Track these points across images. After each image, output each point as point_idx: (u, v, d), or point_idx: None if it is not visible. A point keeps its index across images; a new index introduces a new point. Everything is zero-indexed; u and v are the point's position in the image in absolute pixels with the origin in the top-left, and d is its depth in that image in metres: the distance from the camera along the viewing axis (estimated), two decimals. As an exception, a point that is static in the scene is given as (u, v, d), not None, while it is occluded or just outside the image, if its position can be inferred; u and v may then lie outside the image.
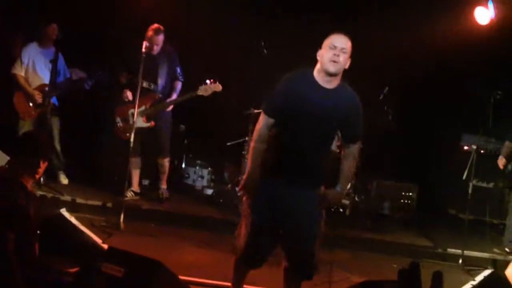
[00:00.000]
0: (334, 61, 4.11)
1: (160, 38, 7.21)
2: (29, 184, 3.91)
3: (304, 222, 4.34)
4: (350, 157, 4.45)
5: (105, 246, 4.71)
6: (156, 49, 7.22)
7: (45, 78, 7.41)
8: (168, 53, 7.39)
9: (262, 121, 4.32)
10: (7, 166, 3.99)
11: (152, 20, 7.32)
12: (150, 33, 7.15)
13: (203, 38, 8.42)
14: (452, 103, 8.92)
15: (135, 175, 7.51)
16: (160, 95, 7.34)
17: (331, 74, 4.16)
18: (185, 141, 9.01)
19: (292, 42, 8.22)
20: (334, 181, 7.87)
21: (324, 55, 4.16)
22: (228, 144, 8.18)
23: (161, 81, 7.33)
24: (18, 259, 3.57)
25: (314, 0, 8.64)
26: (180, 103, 7.40)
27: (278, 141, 4.34)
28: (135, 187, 7.53)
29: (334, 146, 7.68)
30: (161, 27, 7.20)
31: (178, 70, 7.43)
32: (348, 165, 4.47)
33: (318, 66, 4.23)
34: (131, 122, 7.04)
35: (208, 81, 6.94)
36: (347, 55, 4.16)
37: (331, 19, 8.28)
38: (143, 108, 7.18)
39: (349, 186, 7.86)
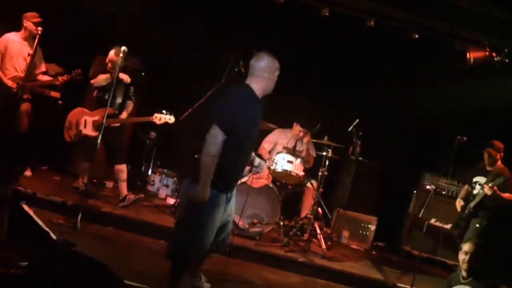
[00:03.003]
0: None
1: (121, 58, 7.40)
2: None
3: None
4: None
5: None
6: (113, 67, 7.37)
7: (21, 70, 7.44)
8: (128, 71, 7.63)
9: (219, 137, 4.52)
10: None
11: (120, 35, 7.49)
12: (114, 54, 7.33)
13: (171, 51, 8.71)
14: (421, 143, 9.11)
15: (83, 178, 7.65)
16: (117, 111, 7.55)
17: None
18: (154, 148, 9.07)
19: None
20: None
21: (272, 77, 4.77)
22: (196, 156, 8.21)
23: (118, 98, 7.57)
24: None
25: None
26: (132, 123, 7.73)
27: (232, 156, 4.64)
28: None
29: (299, 170, 7.81)
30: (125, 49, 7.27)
31: (132, 89, 7.68)
32: None
33: (262, 84, 4.75)
34: (81, 128, 7.47)
35: (164, 111, 7.12)
36: None
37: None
38: (96, 118, 7.34)
39: (310, 211, 7.98)
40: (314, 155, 8.60)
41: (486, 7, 7.77)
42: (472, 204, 7.25)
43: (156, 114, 7.18)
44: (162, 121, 7.17)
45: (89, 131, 7.41)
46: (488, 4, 7.74)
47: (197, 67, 8.96)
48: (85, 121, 7.47)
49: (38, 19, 7.40)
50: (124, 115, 7.57)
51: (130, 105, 7.69)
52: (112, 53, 7.35)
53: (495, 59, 7.93)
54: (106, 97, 7.36)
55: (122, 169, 7.52)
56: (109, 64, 7.37)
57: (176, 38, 8.63)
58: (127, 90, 7.64)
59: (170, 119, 7.16)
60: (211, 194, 4.59)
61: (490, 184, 6.95)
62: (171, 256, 4.81)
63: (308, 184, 8.24)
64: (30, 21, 7.44)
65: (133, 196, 7.51)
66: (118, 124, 7.49)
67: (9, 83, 7.42)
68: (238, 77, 7.71)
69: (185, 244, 4.73)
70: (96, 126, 7.36)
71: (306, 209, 8.24)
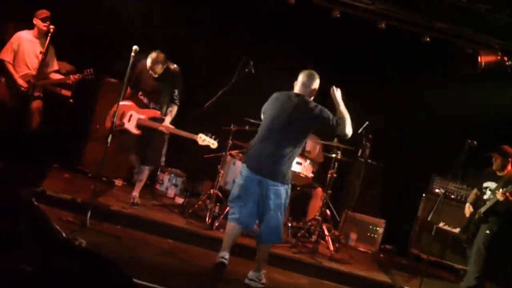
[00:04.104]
0: None
1: (160, 66, 7.41)
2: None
3: None
4: None
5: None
6: (159, 71, 7.42)
7: (33, 67, 7.47)
8: (170, 73, 7.56)
9: None
10: None
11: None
12: (152, 61, 7.34)
13: (190, 53, 8.70)
14: (430, 146, 9.08)
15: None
16: (164, 117, 7.53)
17: None
18: (164, 147, 9.08)
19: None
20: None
21: None
22: (206, 156, 8.24)
23: (164, 103, 7.56)
24: None
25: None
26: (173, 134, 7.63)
27: None
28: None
29: (308, 172, 7.81)
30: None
31: (176, 92, 7.59)
32: None
33: None
34: (124, 120, 7.40)
35: (210, 135, 7.13)
36: None
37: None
38: (142, 116, 7.34)
39: (318, 213, 7.96)
40: (322, 159, 8.60)
41: (498, 11, 7.75)
42: (482, 210, 7.19)
43: (200, 135, 7.13)
44: (205, 143, 7.13)
45: (131, 127, 7.37)
46: (500, 7, 7.72)
47: (205, 68, 8.99)
48: (131, 116, 7.41)
49: (45, 15, 7.43)
50: (168, 120, 7.49)
51: (174, 108, 7.57)
52: (149, 61, 7.33)
53: (507, 63, 7.91)
54: (145, 101, 7.50)
55: (142, 170, 7.64)
56: (151, 72, 7.38)
57: (184, 38, 8.65)
58: (171, 93, 7.56)
59: (214, 144, 7.11)
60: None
61: (502, 190, 6.90)
62: (280, 241, 6.17)
63: (318, 187, 8.23)
64: (38, 18, 7.49)
65: (135, 200, 7.58)
66: (165, 131, 7.48)
67: (20, 81, 7.45)
68: (249, 77, 7.77)
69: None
70: (139, 125, 7.39)
71: (313, 211, 8.23)
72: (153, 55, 7.31)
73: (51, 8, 7.55)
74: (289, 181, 5.94)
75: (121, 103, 7.28)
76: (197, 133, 7.16)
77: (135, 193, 7.63)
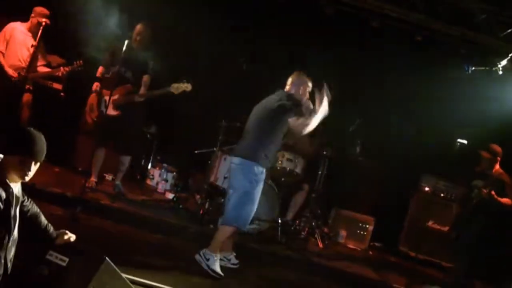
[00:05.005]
0: None
1: (147, 33, 7.47)
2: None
3: None
4: None
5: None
6: (140, 41, 7.43)
7: (24, 60, 7.44)
8: (150, 47, 7.56)
9: None
10: None
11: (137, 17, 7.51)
12: (139, 27, 7.41)
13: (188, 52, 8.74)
14: (421, 145, 9.11)
15: (95, 172, 7.68)
16: (136, 88, 7.51)
17: None
18: (155, 143, 9.09)
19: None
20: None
21: None
22: (196, 152, 8.25)
23: (136, 73, 7.52)
24: None
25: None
26: (151, 98, 7.58)
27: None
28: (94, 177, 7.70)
29: (298, 169, 7.83)
30: (147, 24, 7.45)
31: (151, 64, 7.58)
32: None
33: None
34: (102, 108, 7.39)
35: (182, 80, 7.16)
36: None
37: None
38: (115, 97, 7.35)
39: (307, 210, 7.99)
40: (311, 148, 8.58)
41: (493, 11, 7.76)
42: (470, 208, 7.23)
43: (173, 84, 7.14)
44: (180, 90, 7.15)
45: (110, 110, 7.32)
46: (495, 8, 7.73)
47: (204, 66, 8.98)
48: (106, 101, 7.38)
49: (42, 19, 7.37)
50: (142, 90, 7.50)
51: (146, 78, 7.56)
52: (140, 27, 7.40)
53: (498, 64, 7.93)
54: (125, 73, 7.46)
55: (124, 161, 7.69)
56: (138, 38, 7.40)
57: (184, 38, 8.62)
58: (148, 64, 7.55)
59: (187, 87, 7.14)
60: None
61: (487, 188, 6.94)
62: (230, 224, 5.77)
63: (305, 184, 8.24)
64: (36, 17, 7.45)
65: (121, 190, 7.67)
66: (141, 99, 7.47)
67: (10, 71, 7.41)
68: (240, 73, 7.78)
69: (247, 214, 5.74)
70: (117, 104, 7.38)
71: (294, 208, 8.28)
72: (144, 24, 7.43)
73: (49, 5, 7.53)
74: (259, 162, 5.73)
75: (92, 95, 7.51)
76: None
77: (117, 181, 7.71)
